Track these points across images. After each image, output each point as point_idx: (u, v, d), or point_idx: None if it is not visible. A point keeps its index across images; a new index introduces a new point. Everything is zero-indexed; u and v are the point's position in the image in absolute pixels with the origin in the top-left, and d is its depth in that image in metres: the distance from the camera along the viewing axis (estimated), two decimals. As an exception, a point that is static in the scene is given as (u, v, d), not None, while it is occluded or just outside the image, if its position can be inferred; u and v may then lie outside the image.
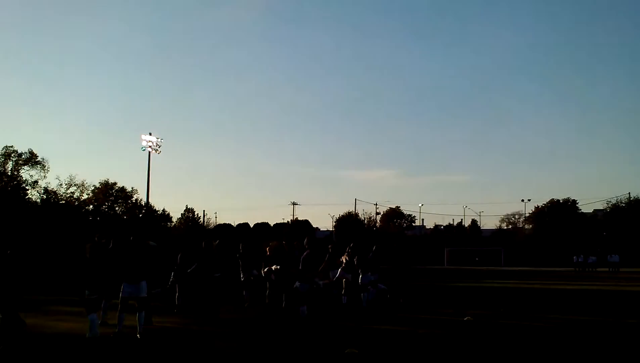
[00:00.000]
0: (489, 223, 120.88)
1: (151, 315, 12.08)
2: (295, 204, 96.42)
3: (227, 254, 16.63)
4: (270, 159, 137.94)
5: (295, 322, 12.50)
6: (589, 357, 8.89)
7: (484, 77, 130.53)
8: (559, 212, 72.94)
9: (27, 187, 48.99)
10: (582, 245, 53.66)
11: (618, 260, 46.88)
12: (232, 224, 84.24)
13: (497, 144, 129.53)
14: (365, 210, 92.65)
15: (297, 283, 13.10)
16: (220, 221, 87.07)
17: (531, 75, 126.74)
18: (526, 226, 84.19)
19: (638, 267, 49.10)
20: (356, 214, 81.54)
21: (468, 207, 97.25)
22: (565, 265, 52.31)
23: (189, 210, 77.91)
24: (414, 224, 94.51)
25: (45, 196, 49.64)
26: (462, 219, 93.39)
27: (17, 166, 49.02)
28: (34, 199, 49.26)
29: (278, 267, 14.81)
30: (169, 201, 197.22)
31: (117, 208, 59.59)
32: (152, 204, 61.50)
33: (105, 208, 57.86)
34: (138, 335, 10.26)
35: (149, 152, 48.62)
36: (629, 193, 70.24)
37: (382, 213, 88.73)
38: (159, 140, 49.85)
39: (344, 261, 16.81)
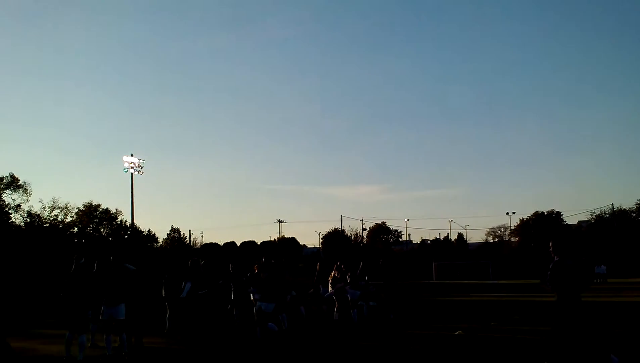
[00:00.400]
0: (475, 236, 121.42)
1: (142, 336, 12.04)
2: (282, 221, 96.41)
3: (214, 273, 16.50)
4: (254, 177, 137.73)
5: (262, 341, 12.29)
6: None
7: (468, 92, 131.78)
8: (544, 224, 73.43)
9: (9, 211, 48.38)
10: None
11: (605, 271, 47.14)
12: (219, 243, 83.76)
13: (480, 157, 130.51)
14: (352, 226, 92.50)
15: (261, 304, 12.70)
16: (207, 240, 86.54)
17: (515, 89, 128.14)
18: (512, 239, 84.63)
19: (624, 278, 49.47)
20: (343, 231, 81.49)
21: (454, 221, 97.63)
22: (552, 277, 52.41)
23: (174, 230, 77.38)
24: (400, 239, 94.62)
25: (29, 220, 49.09)
26: (448, 234, 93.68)
27: (-2, 190, 48.41)
28: (17, 223, 48.68)
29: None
30: (154, 221, 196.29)
31: (102, 230, 59.03)
32: (137, 225, 61.16)
33: (90, 230, 57.30)
34: (123, 354, 10.48)
35: (132, 173, 48.51)
36: (612, 203, 71.05)
37: (368, 229, 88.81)
38: (141, 161, 49.77)
39: (334, 277, 16.80)
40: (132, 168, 48.73)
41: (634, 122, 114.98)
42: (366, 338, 12.80)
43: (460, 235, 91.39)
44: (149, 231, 66.38)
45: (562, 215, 75.57)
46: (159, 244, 71.62)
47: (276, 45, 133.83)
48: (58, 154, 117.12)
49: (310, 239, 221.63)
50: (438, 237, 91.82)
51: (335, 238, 79.11)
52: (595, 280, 46.17)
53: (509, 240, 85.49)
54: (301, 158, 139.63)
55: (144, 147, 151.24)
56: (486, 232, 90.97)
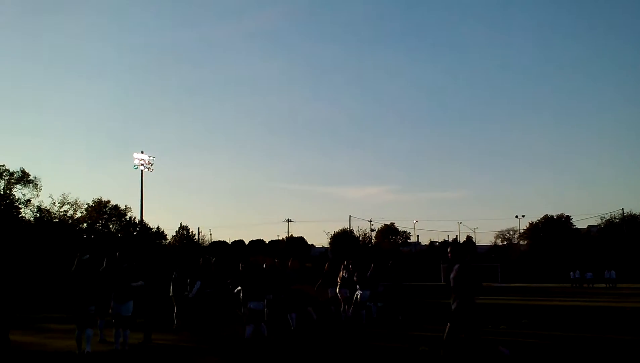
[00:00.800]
0: (484, 239, 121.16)
1: (151, 333, 12.15)
2: (290, 221, 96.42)
3: (224, 271, 16.49)
4: (264, 176, 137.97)
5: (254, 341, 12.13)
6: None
7: (479, 94, 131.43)
8: (553, 228, 72.99)
9: (19, 206, 48.66)
10: (578, 261, 53.61)
11: (615, 276, 46.81)
12: (227, 241, 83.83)
13: (490, 160, 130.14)
14: (360, 227, 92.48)
15: (250, 303, 12.47)
16: (215, 238, 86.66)
17: (525, 93, 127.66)
18: (521, 242, 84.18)
19: (634, 283, 49.06)
20: (351, 231, 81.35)
21: (463, 223, 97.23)
22: (561, 281, 52.18)
23: (183, 227, 77.51)
24: (409, 240, 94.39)
25: (38, 215, 49.34)
26: (457, 236, 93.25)
27: (9, 185, 48.66)
28: (27, 218, 48.93)
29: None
30: (163, 218, 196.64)
31: (111, 226, 59.26)
32: (146, 222, 61.43)
33: (99, 226, 57.53)
34: (127, 348, 10.81)
35: (142, 170, 48.67)
36: (622, 208, 70.51)
37: (376, 230, 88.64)
38: (151, 158, 49.93)
39: (342, 277, 16.76)
40: (142, 164, 48.90)
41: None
42: (375, 339, 12.74)
43: (469, 237, 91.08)
44: (157, 228, 66.67)
45: (571, 219, 75.19)
46: (168, 241, 71.86)
47: (289, 44, 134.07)
48: (69, 150, 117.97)
49: (319, 239, 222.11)
50: (447, 239, 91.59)
51: (343, 239, 78.98)
52: (605, 285, 45.98)
53: (518, 243, 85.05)
54: (311, 157, 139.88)
55: (154, 144, 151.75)
56: (495, 235, 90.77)
